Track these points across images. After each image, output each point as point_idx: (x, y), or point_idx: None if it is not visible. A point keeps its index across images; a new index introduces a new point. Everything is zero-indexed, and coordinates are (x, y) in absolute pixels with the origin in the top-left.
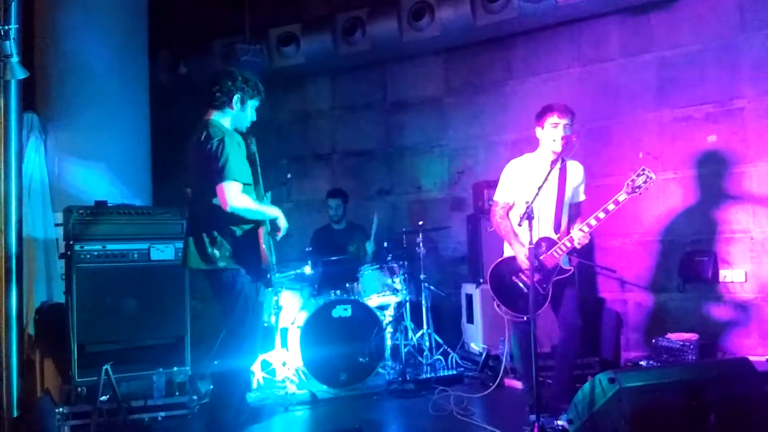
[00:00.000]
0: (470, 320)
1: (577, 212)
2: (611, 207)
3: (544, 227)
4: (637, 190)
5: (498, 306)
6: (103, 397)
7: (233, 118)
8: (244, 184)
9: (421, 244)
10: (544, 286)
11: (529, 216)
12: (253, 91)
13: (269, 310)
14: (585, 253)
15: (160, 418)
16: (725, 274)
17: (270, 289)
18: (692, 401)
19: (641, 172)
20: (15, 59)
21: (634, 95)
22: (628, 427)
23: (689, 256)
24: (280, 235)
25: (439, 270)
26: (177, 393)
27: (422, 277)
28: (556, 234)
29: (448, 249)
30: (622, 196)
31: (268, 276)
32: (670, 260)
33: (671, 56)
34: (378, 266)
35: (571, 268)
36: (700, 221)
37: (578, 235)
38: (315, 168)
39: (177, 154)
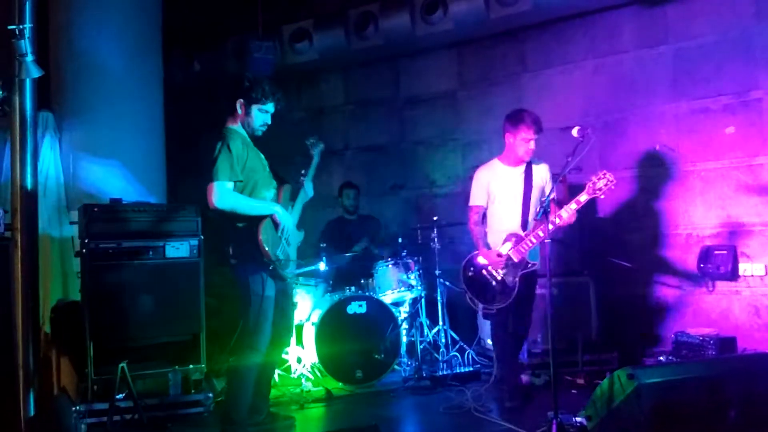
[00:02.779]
0: (486, 316)
1: (554, 209)
2: (573, 206)
3: (512, 225)
4: (597, 191)
5: (471, 299)
6: (120, 395)
7: (240, 122)
8: (236, 182)
9: (435, 240)
10: (512, 279)
11: (545, 210)
12: (258, 95)
13: (292, 307)
14: (602, 248)
15: (175, 416)
16: (745, 268)
17: (284, 282)
18: (712, 397)
19: (602, 176)
20: (30, 58)
21: (649, 87)
22: (647, 423)
23: (708, 249)
24: (278, 230)
25: (454, 265)
26: (193, 391)
27: (437, 272)
28: (524, 231)
29: (464, 244)
30: (583, 197)
31: (271, 268)
32: (689, 254)
33: (687, 48)
34: (393, 262)
35: (536, 263)
36: (718, 214)
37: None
38: (328, 164)
39: (191, 152)
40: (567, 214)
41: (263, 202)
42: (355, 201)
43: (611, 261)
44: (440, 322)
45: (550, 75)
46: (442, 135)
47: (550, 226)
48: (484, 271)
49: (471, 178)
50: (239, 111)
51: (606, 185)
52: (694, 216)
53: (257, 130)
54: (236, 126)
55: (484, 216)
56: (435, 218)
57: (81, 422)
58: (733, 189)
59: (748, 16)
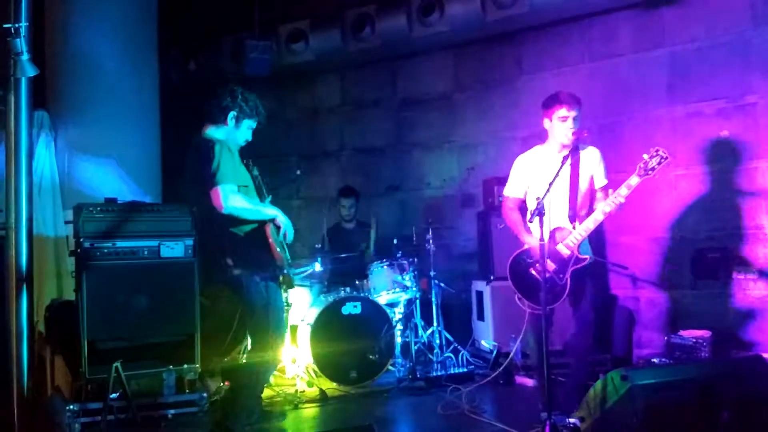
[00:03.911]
0: (481, 317)
1: (602, 197)
2: (624, 191)
3: (560, 218)
4: (650, 172)
5: (519, 299)
6: (114, 395)
7: (226, 133)
8: (240, 186)
9: (431, 241)
10: (561, 276)
11: (540, 212)
12: (251, 111)
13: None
14: (597, 250)
15: (170, 416)
16: (738, 271)
17: (291, 288)
18: (705, 399)
19: (654, 153)
20: (25, 57)
21: (645, 91)
22: (640, 424)
23: (702, 252)
24: (280, 233)
25: (449, 267)
26: (187, 390)
27: (432, 273)
28: (572, 224)
29: (458, 246)
30: (633, 180)
31: (285, 272)
32: (683, 257)
33: (682, 51)
34: (388, 263)
35: (587, 257)
36: (712, 217)
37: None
38: (324, 165)
39: (187, 151)
40: (619, 199)
41: (265, 205)
42: (350, 210)
43: (606, 263)
44: (435, 323)
45: (546, 78)
46: (438, 137)
47: (601, 216)
48: (532, 269)
49: (466, 180)
50: (230, 122)
51: (660, 163)
52: (689, 219)
53: (240, 144)
54: (221, 135)
55: (522, 209)
56: (430, 220)
57: (75, 421)
58: (727, 193)
59: (744, 20)
